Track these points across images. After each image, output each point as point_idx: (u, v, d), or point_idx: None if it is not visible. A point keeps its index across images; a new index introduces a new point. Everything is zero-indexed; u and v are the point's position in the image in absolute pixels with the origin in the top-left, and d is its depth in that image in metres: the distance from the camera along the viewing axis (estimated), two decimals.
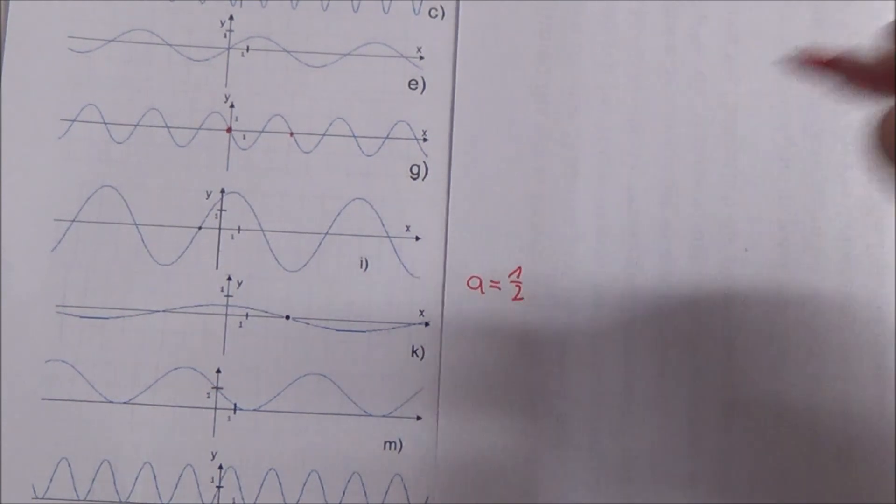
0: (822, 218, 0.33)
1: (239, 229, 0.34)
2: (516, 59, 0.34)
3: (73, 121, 0.34)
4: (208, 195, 0.34)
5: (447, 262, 0.33)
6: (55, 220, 0.34)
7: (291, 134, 0.34)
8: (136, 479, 0.32)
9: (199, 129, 0.34)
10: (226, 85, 0.34)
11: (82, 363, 0.33)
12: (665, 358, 0.33)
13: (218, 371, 0.33)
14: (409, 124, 0.34)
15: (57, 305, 0.33)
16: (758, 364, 0.33)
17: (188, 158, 0.34)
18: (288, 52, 0.34)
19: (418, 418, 0.33)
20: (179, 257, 0.33)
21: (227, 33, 0.35)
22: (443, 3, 0.35)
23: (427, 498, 0.32)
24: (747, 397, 0.33)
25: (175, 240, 0.34)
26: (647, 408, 0.33)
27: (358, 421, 0.33)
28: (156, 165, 0.34)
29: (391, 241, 0.34)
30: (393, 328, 0.33)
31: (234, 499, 0.32)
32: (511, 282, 0.33)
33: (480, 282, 0.33)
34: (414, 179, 0.34)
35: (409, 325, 0.33)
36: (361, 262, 0.33)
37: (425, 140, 0.34)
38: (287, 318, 0.33)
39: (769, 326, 0.33)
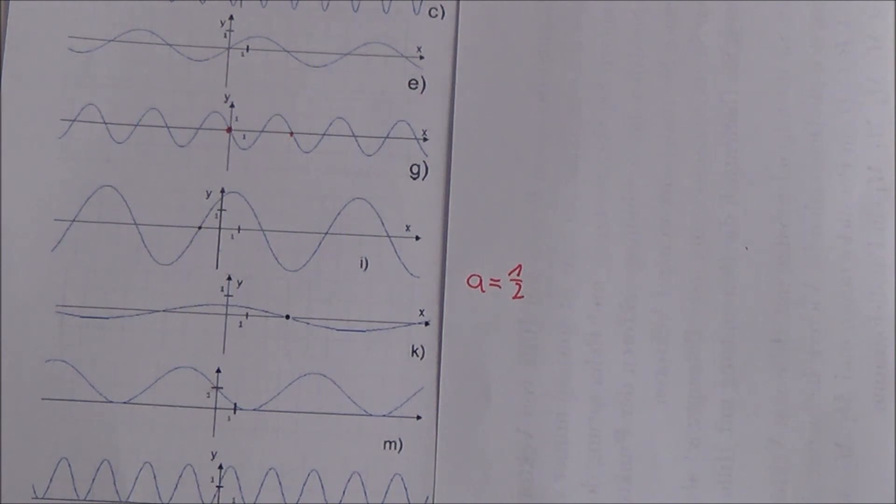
0: (822, 218, 0.33)
1: (239, 229, 0.34)
2: (516, 59, 0.34)
3: (73, 121, 0.34)
4: (208, 195, 0.34)
5: (447, 261, 0.33)
6: (55, 220, 0.34)
7: (291, 134, 0.34)
8: (136, 479, 0.32)
9: (199, 129, 0.34)
10: (226, 85, 0.34)
11: (82, 363, 0.33)
12: (665, 358, 0.33)
13: (218, 371, 0.33)
14: (409, 124, 0.34)
15: (57, 305, 0.33)
16: (758, 363, 0.33)
17: (188, 158, 0.34)
18: (288, 52, 0.34)
19: (418, 418, 0.33)
20: (179, 257, 0.33)
21: (227, 33, 0.35)
22: (443, 2, 0.35)
23: (427, 498, 0.32)
24: (747, 397, 0.33)
25: (175, 240, 0.34)
26: (647, 408, 0.33)
27: (358, 421, 0.33)
28: (156, 165, 0.34)
29: (391, 241, 0.34)
30: (393, 328, 0.33)
31: (234, 499, 0.32)
32: (511, 280, 0.33)
33: (480, 280, 0.33)
34: (414, 179, 0.34)
35: (409, 324, 0.33)
36: (361, 261, 0.34)
37: (425, 140, 0.34)
38: (287, 318, 0.33)
39: (769, 326, 0.33)
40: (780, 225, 0.33)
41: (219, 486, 0.32)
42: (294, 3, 0.35)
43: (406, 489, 0.32)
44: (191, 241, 0.34)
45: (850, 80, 0.34)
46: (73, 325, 0.33)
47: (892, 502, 0.32)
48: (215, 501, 0.32)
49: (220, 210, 0.34)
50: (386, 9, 0.35)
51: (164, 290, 0.33)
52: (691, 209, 0.33)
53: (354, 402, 0.33)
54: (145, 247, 0.33)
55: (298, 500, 0.32)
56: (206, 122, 0.34)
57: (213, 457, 0.33)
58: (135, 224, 0.34)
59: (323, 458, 0.33)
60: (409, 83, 0.34)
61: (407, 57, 0.34)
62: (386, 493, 0.32)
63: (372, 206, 0.34)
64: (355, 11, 0.35)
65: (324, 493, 0.32)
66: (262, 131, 0.34)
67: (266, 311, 0.33)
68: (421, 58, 0.34)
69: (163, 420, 0.33)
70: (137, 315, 0.33)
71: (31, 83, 0.34)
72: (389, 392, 0.33)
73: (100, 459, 0.33)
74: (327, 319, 0.33)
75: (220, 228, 0.34)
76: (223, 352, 0.33)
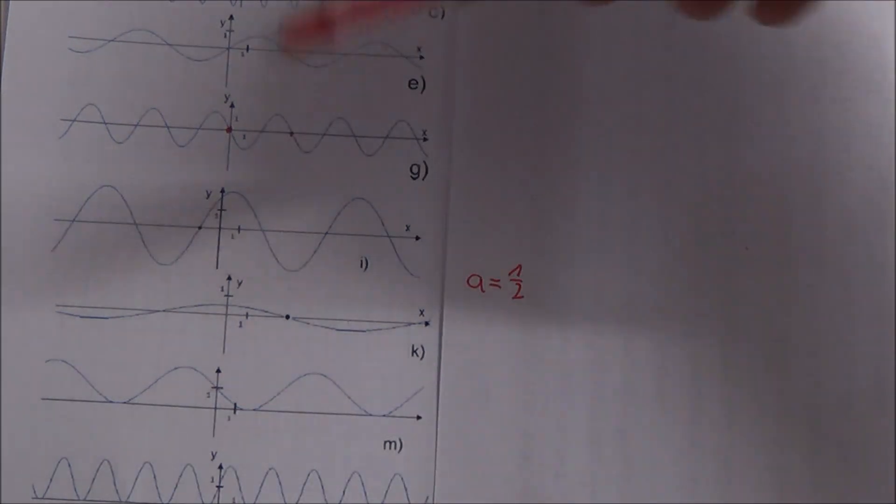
0: (822, 218, 0.33)
1: (239, 229, 0.34)
2: (516, 59, 0.34)
3: (73, 121, 0.34)
4: (208, 195, 0.34)
5: (447, 261, 0.33)
6: (55, 220, 0.34)
7: (291, 134, 0.34)
8: (136, 479, 0.32)
9: (199, 128, 0.34)
10: (226, 85, 0.34)
11: (82, 363, 0.33)
12: (665, 358, 0.33)
13: (218, 371, 0.33)
14: (409, 124, 0.34)
15: (57, 305, 0.33)
16: (758, 364, 0.33)
17: (188, 158, 0.34)
18: None
19: (418, 418, 0.33)
20: (179, 257, 0.33)
21: (227, 33, 0.35)
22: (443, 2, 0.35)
23: (427, 498, 0.32)
24: (747, 397, 0.33)
25: (175, 240, 0.34)
26: (647, 408, 0.33)
27: (358, 421, 0.33)
28: (156, 165, 0.34)
29: (391, 241, 0.34)
30: (393, 328, 0.33)
31: (234, 499, 0.32)
32: (511, 280, 0.33)
33: (480, 280, 0.33)
34: (414, 179, 0.34)
35: (409, 324, 0.33)
36: (361, 261, 0.33)
37: (425, 140, 0.34)
38: (287, 317, 0.33)
39: (769, 326, 0.33)
40: (780, 225, 0.33)
41: (219, 486, 0.32)
42: (294, 3, 0.35)
43: (406, 489, 0.32)
44: (191, 241, 0.34)
45: (850, 80, 0.34)
46: (73, 325, 0.33)
47: (892, 502, 0.32)
48: (215, 501, 0.32)
49: (220, 210, 0.34)
50: None
51: (164, 290, 0.33)
52: (691, 209, 0.33)
53: (354, 402, 0.33)
54: (145, 247, 0.33)
55: (298, 500, 0.32)
56: (206, 122, 0.34)
57: (213, 457, 0.33)
58: (135, 224, 0.34)
59: (323, 458, 0.33)
60: (409, 83, 0.34)
61: (407, 57, 0.34)
62: (386, 493, 0.32)
63: (372, 206, 0.34)
64: None
65: (324, 493, 0.32)
66: (262, 131, 0.34)
67: (266, 311, 0.33)
68: (421, 58, 0.34)
69: (163, 420, 0.33)
70: (137, 315, 0.33)
71: (31, 83, 0.34)
72: (389, 392, 0.33)
73: (100, 459, 0.32)
74: (327, 319, 0.33)
75: (220, 228, 0.34)
76: (223, 352, 0.33)
